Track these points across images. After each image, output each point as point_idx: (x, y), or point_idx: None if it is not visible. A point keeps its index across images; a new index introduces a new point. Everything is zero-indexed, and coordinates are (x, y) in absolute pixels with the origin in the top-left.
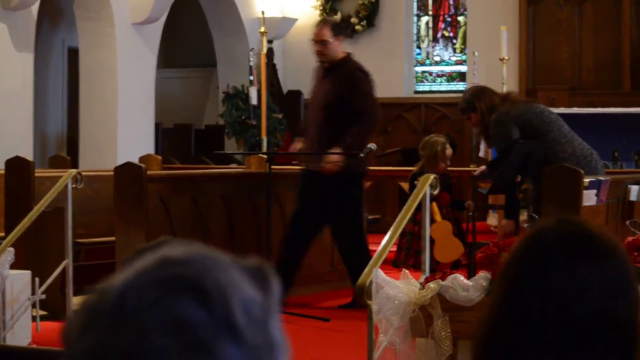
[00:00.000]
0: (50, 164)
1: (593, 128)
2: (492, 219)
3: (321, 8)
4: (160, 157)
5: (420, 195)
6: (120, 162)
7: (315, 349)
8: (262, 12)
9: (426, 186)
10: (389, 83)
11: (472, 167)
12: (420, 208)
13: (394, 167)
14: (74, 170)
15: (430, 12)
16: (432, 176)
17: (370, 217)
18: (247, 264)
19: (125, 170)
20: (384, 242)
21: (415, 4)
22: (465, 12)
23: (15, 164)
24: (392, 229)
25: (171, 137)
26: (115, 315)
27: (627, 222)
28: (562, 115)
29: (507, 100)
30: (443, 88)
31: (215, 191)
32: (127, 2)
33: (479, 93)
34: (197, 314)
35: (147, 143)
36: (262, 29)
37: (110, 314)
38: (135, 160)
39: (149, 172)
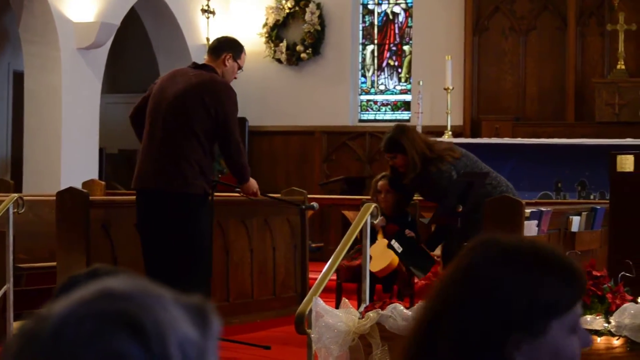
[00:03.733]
0: None
1: (537, 159)
2: (438, 249)
3: (267, 35)
4: (103, 183)
5: (361, 225)
6: (64, 186)
7: None
8: (207, 39)
9: (366, 215)
10: (334, 111)
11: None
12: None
13: (337, 196)
14: (15, 195)
15: (375, 41)
16: (373, 205)
17: (313, 245)
18: (188, 302)
19: (68, 195)
20: (324, 270)
21: (360, 32)
22: (411, 42)
23: None
24: (332, 258)
25: (115, 162)
26: (51, 345)
27: (567, 253)
28: (506, 145)
29: (435, 153)
30: (388, 117)
31: None
32: (73, 26)
33: (408, 135)
34: (134, 352)
35: (91, 168)
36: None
37: (47, 343)
38: (79, 185)
39: (91, 197)
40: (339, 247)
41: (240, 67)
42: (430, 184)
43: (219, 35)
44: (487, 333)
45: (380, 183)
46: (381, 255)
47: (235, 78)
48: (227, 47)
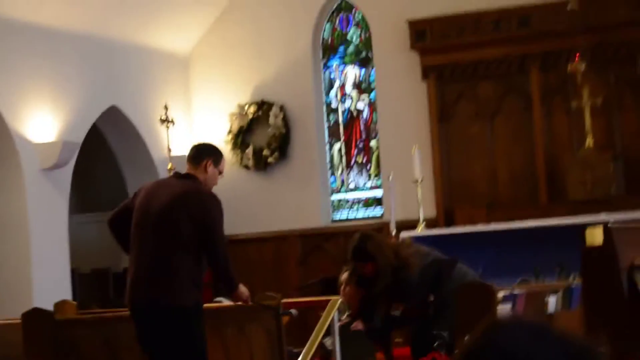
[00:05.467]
0: None
1: (513, 243)
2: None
3: (232, 141)
4: (75, 303)
5: (328, 321)
6: None
7: None
8: (169, 150)
9: (333, 311)
10: (306, 213)
11: None
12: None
13: (315, 298)
14: None
15: (342, 138)
16: (339, 300)
17: (295, 350)
18: None
19: (33, 317)
20: None
21: (326, 131)
22: (377, 136)
23: None
24: (301, 355)
25: (89, 282)
26: None
27: None
28: (481, 233)
29: (402, 259)
30: (361, 215)
31: (130, 333)
32: (35, 147)
33: (375, 241)
34: None
35: (63, 289)
36: (170, 166)
37: None
38: (52, 307)
39: (57, 317)
40: (307, 346)
41: (220, 172)
42: (399, 291)
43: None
44: None
45: (342, 277)
46: None
47: (215, 184)
48: (207, 154)
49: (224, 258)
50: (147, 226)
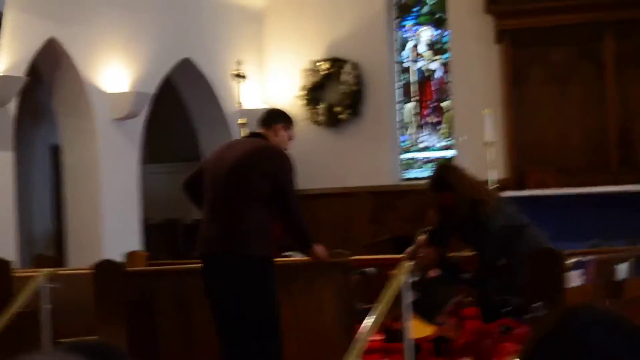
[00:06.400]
0: (35, 263)
1: (583, 208)
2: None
3: (304, 98)
4: (145, 254)
5: (399, 284)
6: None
7: None
8: (239, 104)
9: (404, 275)
10: (376, 171)
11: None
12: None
13: (384, 256)
14: (48, 269)
15: (415, 99)
16: (408, 264)
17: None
18: None
19: (104, 268)
20: (362, 331)
21: (398, 90)
22: (450, 98)
23: None
24: (370, 320)
25: (160, 232)
26: None
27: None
28: (551, 196)
29: (481, 194)
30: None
31: (200, 286)
32: (108, 98)
33: (455, 173)
34: None
35: (133, 239)
36: (241, 120)
37: None
38: (122, 257)
39: (129, 268)
40: (378, 309)
41: (291, 138)
42: (477, 226)
43: (257, 99)
44: None
45: (418, 238)
46: (422, 323)
47: (287, 149)
48: (279, 118)
49: (297, 211)
50: (219, 181)
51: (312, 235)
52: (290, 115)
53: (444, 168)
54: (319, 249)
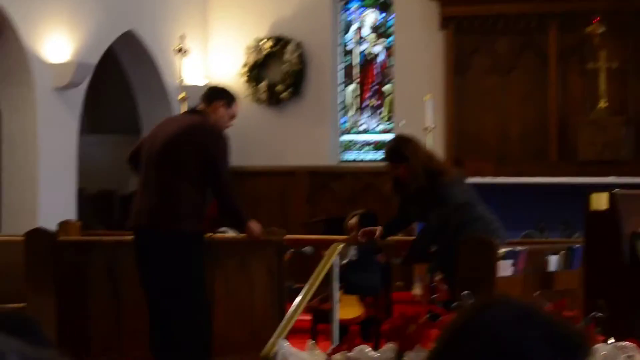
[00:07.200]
0: None
1: (519, 198)
2: (417, 289)
3: (246, 75)
4: (79, 223)
5: (328, 265)
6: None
7: None
8: (181, 79)
9: (334, 256)
10: (315, 151)
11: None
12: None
13: (318, 236)
14: None
15: (356, 81)
16: (340, 245)
17: (294, 286)
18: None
19: (36, 236)
20: (288, 312)
21: (340, 72)
22: (391, 81)
23: None
24: (298, 300)
25: (95, 202)
26: None
27: (535, 294)
28: (488, 185)
29: (436, 166)
30: (369, 157)
31: (131, 258)
32: (49, 67)
33: (411, 144)
34: None
35: (69, 209)
36: (181, 95)
37: None
38: (57, 226)
39: (61, 238)
40: (305, 289)
41: (232, 117)
42: (434, 196)
43: (199, 75)
44: None
45: (350, 222)
46: (350, 305)
47: (227, 127)
48: (220, 95)
49: (229, 189)
50: (152, 157)
51: (246, 213)
52: (233, 93)
53: (400, 140)
54: (254, 226)
